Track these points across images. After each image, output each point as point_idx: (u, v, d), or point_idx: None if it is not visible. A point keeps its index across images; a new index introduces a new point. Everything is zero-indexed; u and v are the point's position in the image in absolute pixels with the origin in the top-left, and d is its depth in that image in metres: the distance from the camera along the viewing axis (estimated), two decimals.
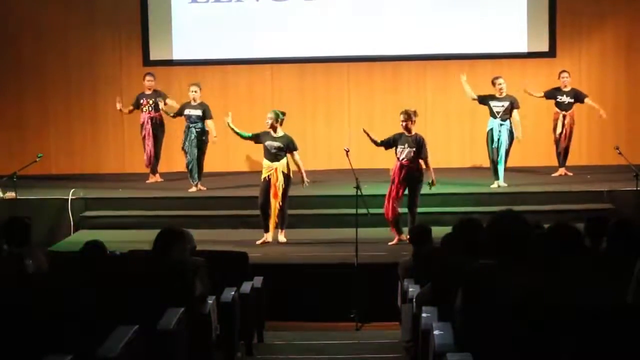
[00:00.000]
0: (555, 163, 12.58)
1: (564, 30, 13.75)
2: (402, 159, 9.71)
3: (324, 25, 13.81)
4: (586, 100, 12.31)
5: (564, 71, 12.34)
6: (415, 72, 14.01)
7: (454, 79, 13.95)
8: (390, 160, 10.01)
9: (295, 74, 14.06)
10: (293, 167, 9.94)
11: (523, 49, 13.80)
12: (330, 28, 13.80)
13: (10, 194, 10.97)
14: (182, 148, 11.86)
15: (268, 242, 9.94)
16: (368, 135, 9.82)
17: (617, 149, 10.92)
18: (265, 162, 9.89)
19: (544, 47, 13.79)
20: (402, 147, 9.72)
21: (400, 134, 9.80)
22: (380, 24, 13.79)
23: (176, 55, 14.00)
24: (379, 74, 13.99)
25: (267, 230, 9.97)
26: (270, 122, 9.89)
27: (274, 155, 9.84)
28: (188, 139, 11.80)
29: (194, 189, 11.83)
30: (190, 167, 11.81)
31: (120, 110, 12.48)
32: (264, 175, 9.88)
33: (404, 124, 9.76)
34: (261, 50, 13.90)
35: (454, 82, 13.92)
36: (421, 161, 9.73)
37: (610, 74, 13.87)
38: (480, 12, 13.75)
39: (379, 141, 9.86)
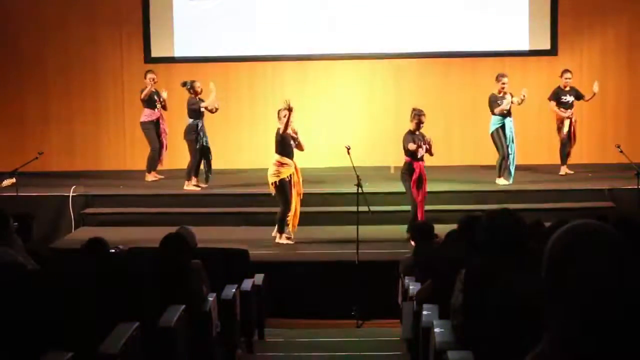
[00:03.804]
0: (556, 161, 12.56)
1: (566, 28, 13.74)
2: (420, 157, 9.72)
3: (325, 22, 13.81)
4: (585, 98, 12.25)
5: (567, 71, 12.23)
6: (417, 70, 14.00)
7: (455, 77, 13.99)
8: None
9: (296, 71, 14.06)
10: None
11: (525, 47, 13.79)
12: (331, 26, 13.80)
13: (10, 180, 10.91)
14: (203, 145, 11.67)
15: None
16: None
17: (618, 147, 10.91)
18: (286, 160, 9.70)
19: (546, 45, 13.78)
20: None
21: (413, 134, 9.72)
22: (382, 22, 13.78)
23: (177, 53, 14.00)
24: (380, 71, 13.98)
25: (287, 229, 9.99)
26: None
27: (292, 152, 9.79)
28: (205, 135, 11.74)
29: (194, 184, 11.76)
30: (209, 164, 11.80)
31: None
32: (287, 174, 9.75)
33: (422, 124, 9.73)
34: (262, 48, 13.90)
35: (455, 80, 13.96)
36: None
37: (611, 72, 13.87)
38: (482, 10, 13.74)
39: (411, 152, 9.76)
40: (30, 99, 14.17)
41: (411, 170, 9.72)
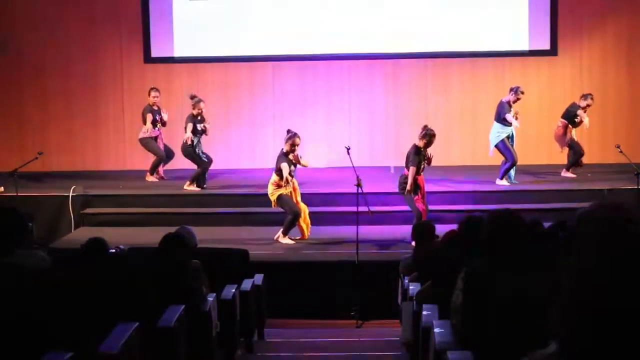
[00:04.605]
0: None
1: (566, 29, 13.75)
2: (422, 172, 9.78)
3: (325, 23, 13.81)
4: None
5: (591, 98, 12.14)
6: (416, 71, 14.01)
7: (455, 77, 13.99)
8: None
9: (296, 71, 14.06)
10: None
11: (524, 47, 13.80)
12: (331, 26, 13.80)
13: None
14: (202, 153, 11.75)
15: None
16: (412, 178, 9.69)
17: (618, 147, 10.92)
18: (283, 182, 9.80)
19: (546, 45, 13.79)
20: (422, 162, 9.72)
21: (419, 152, 9.68)
22: (381, 22, 13.79)
23: (177, 53, 14.00)
24: (379, 72, 13.99)
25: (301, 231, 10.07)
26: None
27: (292, 174, 9.89)
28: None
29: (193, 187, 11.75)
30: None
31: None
32: (288, 191, 9.82)
33: (431, 144, 9.69)
34: (262, 48, 13.90)
35: (455, 80, 13.96)
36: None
37: (611, 72, 13.87)
38: (482, 10, 13.75)
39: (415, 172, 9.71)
40: (30, 99, 14.17)
41: (415, 187, 9.68)
